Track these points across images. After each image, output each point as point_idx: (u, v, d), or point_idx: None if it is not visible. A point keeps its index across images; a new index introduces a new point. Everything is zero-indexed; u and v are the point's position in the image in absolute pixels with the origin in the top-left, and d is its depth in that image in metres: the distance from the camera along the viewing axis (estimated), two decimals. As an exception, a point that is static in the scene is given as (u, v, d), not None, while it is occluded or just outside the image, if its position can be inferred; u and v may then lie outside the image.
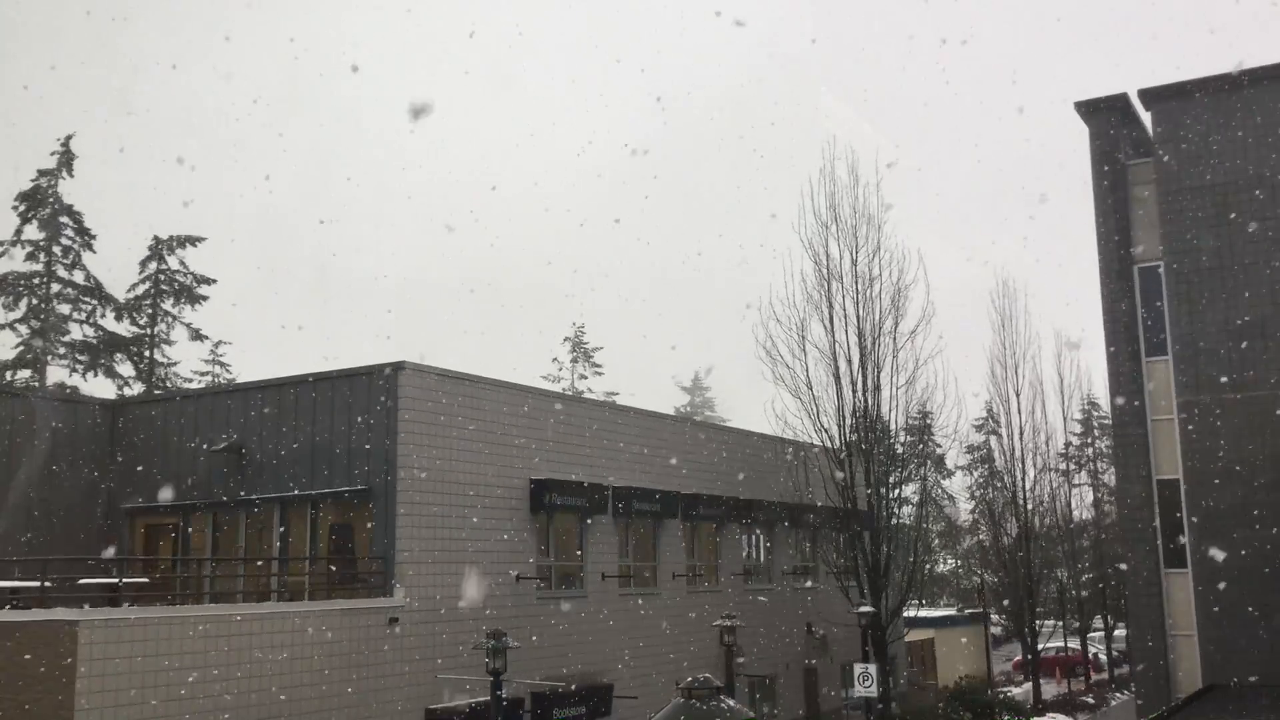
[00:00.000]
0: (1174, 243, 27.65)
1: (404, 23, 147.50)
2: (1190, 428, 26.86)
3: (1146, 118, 29.13)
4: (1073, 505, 54.56)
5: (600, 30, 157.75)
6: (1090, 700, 46.62)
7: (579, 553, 27.23)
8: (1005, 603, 48.29)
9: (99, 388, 44.65)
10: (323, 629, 20.18)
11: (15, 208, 43.81)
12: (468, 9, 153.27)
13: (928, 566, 50.81)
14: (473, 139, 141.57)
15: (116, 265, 47.88)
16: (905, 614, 35.19)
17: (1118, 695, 47.84)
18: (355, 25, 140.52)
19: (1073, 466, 60.83)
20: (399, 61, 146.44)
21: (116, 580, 19.96)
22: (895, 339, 32.87)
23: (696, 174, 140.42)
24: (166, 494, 25.49)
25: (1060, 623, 54.44)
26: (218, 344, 50.85)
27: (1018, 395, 46.19)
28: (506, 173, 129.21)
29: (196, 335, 47.48)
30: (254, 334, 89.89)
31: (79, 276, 44.69)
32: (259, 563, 24.32)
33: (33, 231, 44.04)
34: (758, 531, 34.71)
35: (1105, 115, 29.04)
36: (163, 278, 46.90)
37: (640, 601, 28.77)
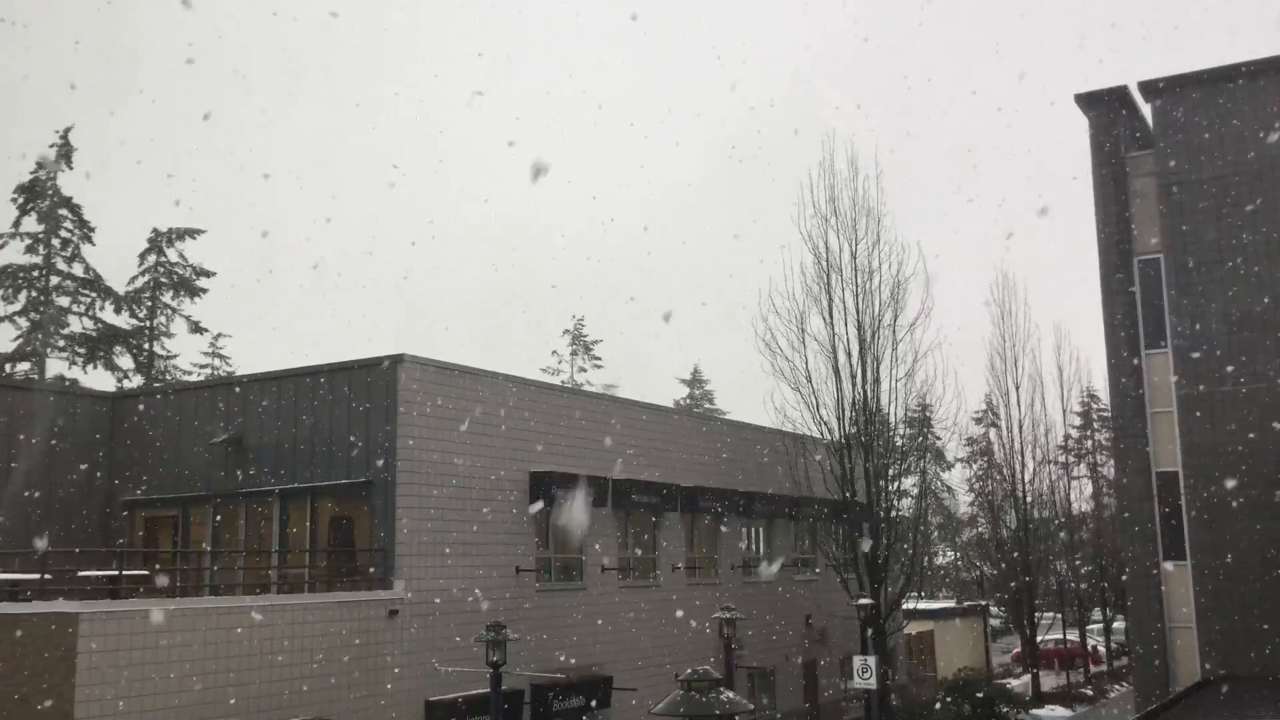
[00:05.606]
0: (1174, 235, 27.64)
1: (402, 17, 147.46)
2: (1189, 420, 26.87)
3: (1147, 110, 29.08)
4: (1072, 498, 54.76)
5: (597, 27, 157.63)
6: (1089, 692, 46.77)
7: (579, 545, 27.25)
8: (1007, 591, 48.37)
9: (98, 380, 44.68)
10: (322, 621, 20.21)
11: (14, 200, 43.76)
12: (467, 7, 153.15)
13: (926, 559, 50.87)
14: (472, 139, 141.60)
15: (115, 258, 47.89)
16: (904, 606, 35.25)
17: (1117, 687, 48.01)
18: (354, 24, 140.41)
19: (1072, 459, 60.96)
20: (399, 58, 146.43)
21: (116, 572, 19.97)
22: (895, 331, 32.91)
23: (696, 171, 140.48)
24: (166, 487, 25.50)
25: (1059, 615, 54.56)
26: (217, 336, 50.99)
27: (1017, 388, 46.39)
28: (506, 171, 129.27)
29: (196, 328, 47.44)
30: (253, 327, 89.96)
31: (78, 269, 44.64)
32: (259, 555, 24.34)
33: (31, 224, 44.00)
34: (758, 524, 34.73)
35: (1105, 107, 29.00)
36: (162, 270, 46.89)
37: (640, 594, 28.81)
